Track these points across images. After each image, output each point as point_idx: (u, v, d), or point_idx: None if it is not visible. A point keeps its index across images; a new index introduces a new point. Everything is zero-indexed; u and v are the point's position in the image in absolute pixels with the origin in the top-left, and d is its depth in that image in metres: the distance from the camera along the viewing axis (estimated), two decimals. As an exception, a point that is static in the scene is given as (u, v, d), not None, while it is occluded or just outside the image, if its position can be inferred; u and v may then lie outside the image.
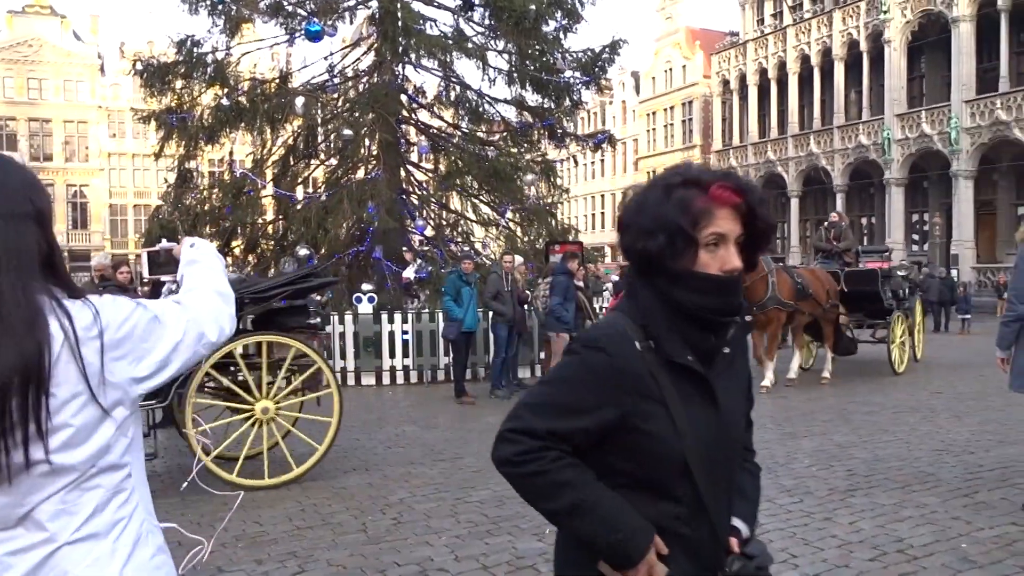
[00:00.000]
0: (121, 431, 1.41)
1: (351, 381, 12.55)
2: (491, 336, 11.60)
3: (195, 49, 15.39)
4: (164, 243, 2.06)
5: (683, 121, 49.62)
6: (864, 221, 38.44)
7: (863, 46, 34.69)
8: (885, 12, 33.21)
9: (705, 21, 75.81)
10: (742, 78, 41.59)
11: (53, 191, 50.57)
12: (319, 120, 16.29)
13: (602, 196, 58.64)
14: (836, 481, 6.09)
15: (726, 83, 43.01)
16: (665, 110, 51.01)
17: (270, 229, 16.97)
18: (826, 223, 14.16)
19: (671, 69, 49.99)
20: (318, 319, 7.83)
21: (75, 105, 51.63)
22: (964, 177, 30.90)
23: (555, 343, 10.59)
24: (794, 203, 38.84)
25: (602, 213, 59.01)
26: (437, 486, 6.20)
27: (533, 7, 14.49)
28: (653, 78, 51.66)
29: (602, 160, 52.04)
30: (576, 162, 18.79)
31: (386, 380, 12.61)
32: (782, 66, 38.99)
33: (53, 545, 1.32)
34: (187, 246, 1.80)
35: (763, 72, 40.23)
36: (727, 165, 42.76)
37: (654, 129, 51.89)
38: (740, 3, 42.96)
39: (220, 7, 14.97)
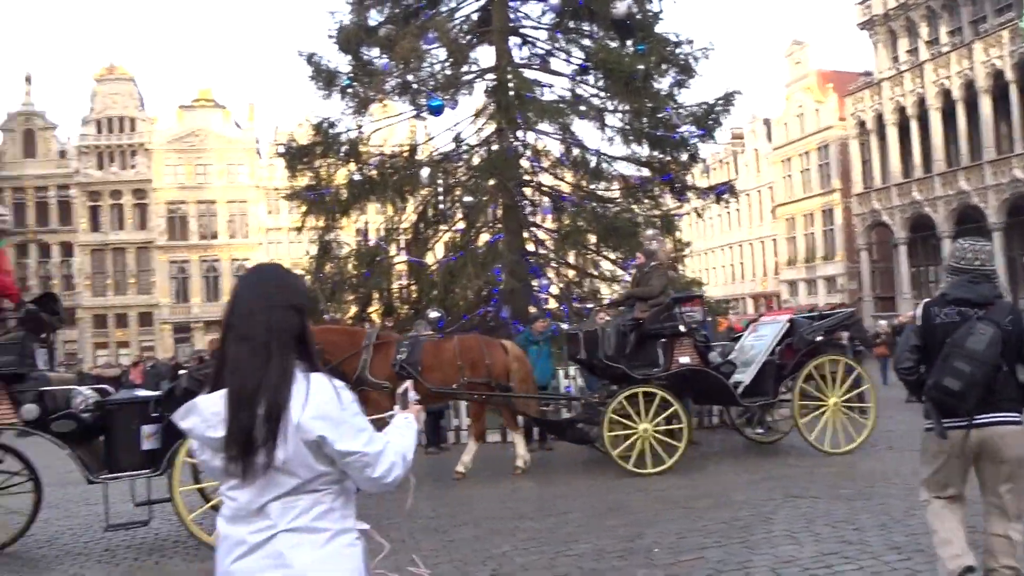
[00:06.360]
0: (325, 463, 1.97)
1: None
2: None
3: (331, 129, 16.51)
4: (412, 395, 2.48)
5: (820, 166, 48.30)
6: (1029, 260, 35.94)
7: (1009, 75, 32.86)
8: (1031, 39, 31.50)
9: (835, 63, 73.66)
10: (879, 118, 40.12)
11: (219, 266, 54.78)
12: (443, 188, 17.01)
13: (740, 246, 57.60)
14: (952, 535, 5.82)
15: (862, 124, 41.58)
16: (800, 155, 49.87)
17: (403, 293, 17.72)
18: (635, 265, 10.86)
19: (803, 114, 48.95)
20: None
21: (236, 186, 55.90)
22: None
23: None
24: (946, 244, 36.81)
25: (740, 264, 57.87)
26: (540, 540, 6.36)
27: (642, 67, 14.75)
28: (785, 124, 50.70)
29: (737, 210, 51.16)
30: (699, 215, 18.69)
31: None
32: (921, 103, 37.38)
33: (274, 530, 1.91)
34: (416, 407, 2.40)
35: (902, 110, 38.68)
36: (870, 208, 41.16)
37: (789, 175, 50.73)
38: (873, 42, 41.72)
39: (349, 91, 16.05)
